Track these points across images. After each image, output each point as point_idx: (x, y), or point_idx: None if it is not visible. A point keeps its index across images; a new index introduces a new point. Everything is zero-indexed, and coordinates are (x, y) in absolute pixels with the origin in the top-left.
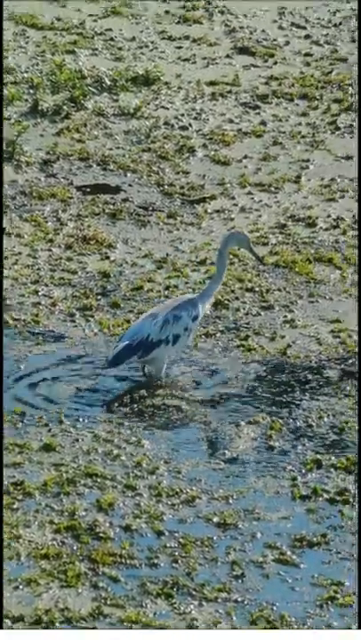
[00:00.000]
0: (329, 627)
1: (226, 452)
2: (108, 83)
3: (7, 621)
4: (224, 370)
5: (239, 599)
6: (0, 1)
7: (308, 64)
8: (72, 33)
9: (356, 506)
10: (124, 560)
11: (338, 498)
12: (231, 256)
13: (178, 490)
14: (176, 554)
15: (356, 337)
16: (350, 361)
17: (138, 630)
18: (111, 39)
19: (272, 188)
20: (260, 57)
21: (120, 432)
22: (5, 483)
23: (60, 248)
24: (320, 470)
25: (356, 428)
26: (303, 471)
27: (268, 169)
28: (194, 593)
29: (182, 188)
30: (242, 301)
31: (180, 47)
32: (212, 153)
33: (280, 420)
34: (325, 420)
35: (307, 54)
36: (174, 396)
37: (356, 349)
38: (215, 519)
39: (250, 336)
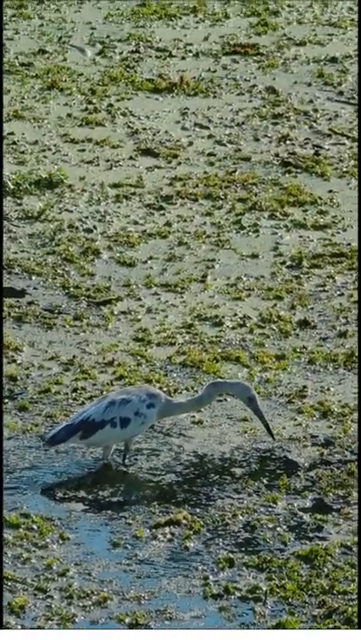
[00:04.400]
0: None
1: (138, 553)
2: (12, 186)
3: None
4: (138, 472)
5: None
6: (0, 1)
7: (211, 164)
8: None
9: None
10: None
11: (249, 595)
12: (139, 357)
13: (89, 591)
14: None
15: None
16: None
17: (138, 630)
18: (14, 143)
19: (178, 289)
20: (163, 158)
21: (29, 535)
22: None
23: None
24: (232, 569)
25: None
26: (215, 570)
27: (173, 269)
28: None
29: (88, 290)
30: None
31: (82, 150)
32: (118, 255)
33: (200, 520)
34: (240, 517)
35: (210, 154)
36: (85, 500)
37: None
38: (127, 620)
39: (160, 438)
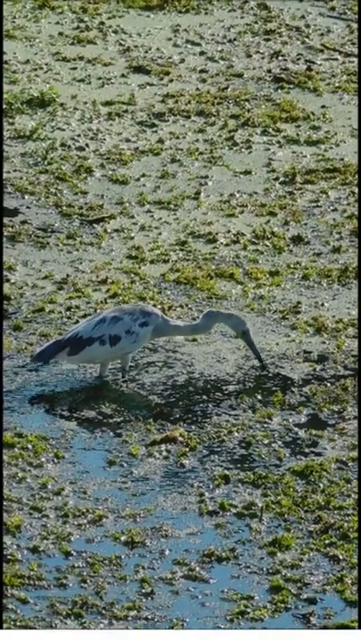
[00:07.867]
0: None
1: (134, 471)
2: (4, 106)
3: None
4: (133, 390)
5: (149, 617)
6: (0, 2)
7: (203, 80)
8: None
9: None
10: (32, 581)
11: (245, 512)
12: (132, 275)
13: (84, 510)
14: (84, 573)
15: None
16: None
17: (138, 631)
18: (5, 62)
19: (171, 206)
20: (155, 75)
21: (24, 455)
22: None
23: None
24: (228, 485)
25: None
26: (211, 487)
27: (166, 187)
28: (103, 612)
29: (81, 208)
30: None
31: (74, 68)
32: (110, 172)
33: (196, 437)
34: (235, 434)
35: (202, 71)
36: (80, 418)
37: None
38: (123, 538)
39: (154, 353)
